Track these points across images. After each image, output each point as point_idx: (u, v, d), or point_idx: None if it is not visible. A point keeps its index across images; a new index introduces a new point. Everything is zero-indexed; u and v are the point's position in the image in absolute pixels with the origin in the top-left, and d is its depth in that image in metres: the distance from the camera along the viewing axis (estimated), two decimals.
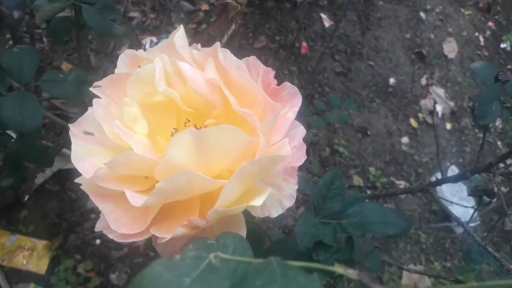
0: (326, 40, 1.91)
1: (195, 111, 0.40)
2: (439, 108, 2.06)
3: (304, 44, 1.87)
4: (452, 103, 2.06)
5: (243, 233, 0.37)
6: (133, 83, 0.38)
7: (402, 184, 1.82)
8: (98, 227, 0.37)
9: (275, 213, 0.39)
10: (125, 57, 0.41)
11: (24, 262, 1.27)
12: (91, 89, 0.39)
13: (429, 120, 2.00)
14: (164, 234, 0.34)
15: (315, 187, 0.59)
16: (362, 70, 1.94)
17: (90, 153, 0.37)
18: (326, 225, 0.57)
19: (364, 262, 0.66)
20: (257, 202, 0.34)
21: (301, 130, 0.41)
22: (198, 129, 0.39)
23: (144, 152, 0.36)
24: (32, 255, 1.28)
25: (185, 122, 0.40)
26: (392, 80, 2.00)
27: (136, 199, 0.33)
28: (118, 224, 0.35)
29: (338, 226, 0.58)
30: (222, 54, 0.38)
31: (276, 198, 0.39)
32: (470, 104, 2.11)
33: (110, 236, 0.35)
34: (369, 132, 1.68)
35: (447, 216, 1.80)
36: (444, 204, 0.76)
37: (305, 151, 0.40)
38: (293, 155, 0.39)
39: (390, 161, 1.82)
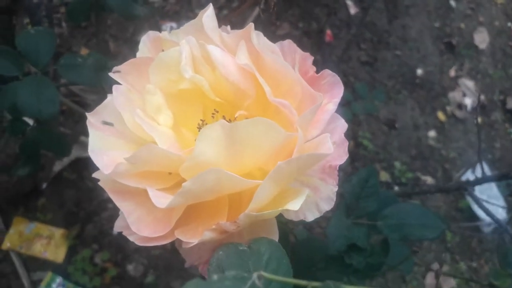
0: (352, 28, 1.85)
1: (224, 101, 0.35)
2: (468, 102, 1.98)
3: (328, 32, 1.81)
4: (482, 97, 1.97)
5: (275, 238, 0.33)
6: (156, 68, 0.34)
7: (428, 179, 1.76)
8: (117, 227, 0.33)
9: (311, 216, 0.35)
10: (148, 40, 0.37)
11: (42, 250, 1.26)
12: (110, 74, 0.35)
13: (457, 113, 1.93)
14: (190, 238, 0.30)
15: (348, 185, 0.54)
16: (388, 60, 1.87)
17: (109, 145, 0.33)
18: (360, 226, 0.53)
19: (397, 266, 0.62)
20: (294, 205, 0.30)
21: (341, 124, 0.36)
22: (228, 121, 0.36)
23: (169, 146, 0.32)
24: (50, 244, 1.26)
25: (213, 113, 0.36)
26: (419, 71, 1.93)
27: (160, 199, 0.29)
28: (139, 225, 0.31)
29: (373, 228, 0.53)
30: (255, 36, 0.33)
31: (312, 200, 0.35)
32: (501, 97, 2.02)
33: (131, 238, 0.32)
34: (396, 125, 1.62)
35: (474, 214, 1.73)
36: (484, 205, 0.70)
37: (346, 148, 0.35)
38: (333, 153, 0.34)
39: (416, 156, 1.76)
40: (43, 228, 1.28)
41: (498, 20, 2.16)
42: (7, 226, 1.29)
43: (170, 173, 0.33)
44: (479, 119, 1.92)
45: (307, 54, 0.36)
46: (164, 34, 0.37)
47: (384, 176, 1.61)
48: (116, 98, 0.33)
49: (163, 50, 0.36)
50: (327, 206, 0.35)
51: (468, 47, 2.05)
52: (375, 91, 1.21)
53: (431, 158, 1.80)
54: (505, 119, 1.99)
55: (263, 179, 0.31)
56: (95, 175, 0.33)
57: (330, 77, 0.36)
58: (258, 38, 0.34)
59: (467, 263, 1.61)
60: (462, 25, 2.08)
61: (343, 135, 0.36)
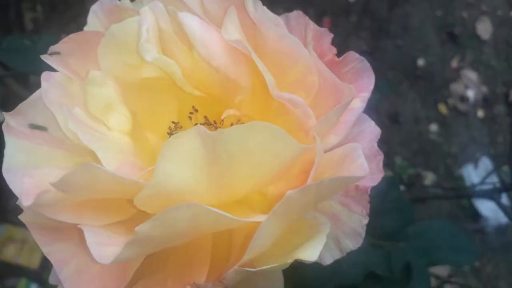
0: (351, 16, 1.74)
1: (206, 95, 0.25)
2: (470, 94, 1.89)
3: (326, 19, 1.71)
4: (484, 89, 1.89)
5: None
6: (107, 48, 0.23)
7: (429, 176, 1.68)
8: (51, 280, 0.23)
9: (329, 258, 0.25)
10: (101, 10, 0.26)
11: (15, 255, 1.16)
12: (43, 57, 0.24)
13: (459, 106, 1.84)
14: None
15: None
16: (389, 49, 1.77)
17: (38, 160, 0.23)
18: (378, 249, 0.43)
19: None
20: (310, 254, 0.20)
21: (371, 128, 0.26)
22: (211, 125, 0.25)
23: (120, 163, 0.21)
24: (23, 248, 1.16)
25: (191, 112, 0.26)
26: (421, 62, 1.83)
27: (104, 248, 0.19)
28: (79, 282, 0.21)
29: (394, 250, 0.43)
30: (251, 3, 0.23)
31: (330, 235, 0.24)
32: (504, 90, 1.94)
33: None
34: (400, 119, 1.53)
35: (477, 213, 1.65)
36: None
37: (381, 164, 0.25)
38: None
39: (418, 151, 1.67)
40: (15, 231, 1.17)
41: (501, 9, 2.07)
42: None
43: (127, 200, 0.22)
44: (481, 113, 1.84)
45: (325, 30, 0.26)
46: (125, 1, 0.26)
47: (385, 173, 1.52)
48: (47, 92, 0.22)
49: None
50: (352, 243, 0.25)
51: (471, 37, 1.96)
52: (378, 82, 1.10)
53: (432, 153, 1.71)
54: (508, 112, 1.91)
55: (263, 208, 0.21)
56: (19, 203, 0.22)
57: (356, 62, 0.25)
58: (256, 5, 0.23)
59: (470, 264, 1.53)
60: (465, 14, 1.99)
61: (375, 144, 0.25)
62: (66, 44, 0.24)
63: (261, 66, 0.21)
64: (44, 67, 0.31)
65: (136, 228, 0.17)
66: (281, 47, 0.23)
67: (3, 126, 0.22)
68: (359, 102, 0.25)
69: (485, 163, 1.74)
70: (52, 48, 0.25)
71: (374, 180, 0.24)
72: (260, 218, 0.19)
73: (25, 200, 0.20)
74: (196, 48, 0.22)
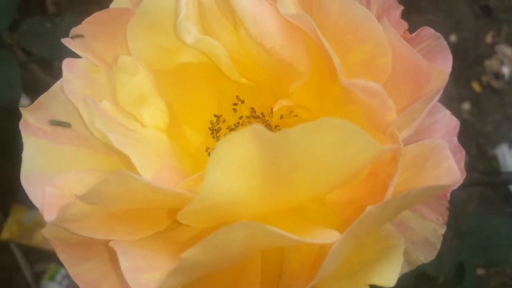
0: None
1: (254, 84, 0.21)
2: (505, 70, 1.80)
3: None
4: None
5: None
6: (138, 28, 0.20)
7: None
8: None
9: (392, 276, 0.21)
10: None
11: (44, 240, 1.16)
12: (64, 41, 0.21)
13: (493, 83, 1.76)
14: None
15: None
16: (420, 25, 1.68)
17: (61, 163, 0.20)
18: None
19: None
20: (388, 279, 0.16)
21: (446, 119, 0.22)
22: (259, 119, 0.21)
23: (158, 170, 0.18)
24: None
25: (235, 104, 0.22)
26: (453, 38, 1.75)
27: (141, 278, 0.15)
28: None
29: (447, 249, 0.39)
30: None
31: None
32: None
33: None
34: None
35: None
36: None
37: (463, 163, 0.21)
38: None
39: None
40: None
41: None
42: (6, 214, 1.18)
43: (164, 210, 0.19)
44: None
45: (393, 1, 0.21)
46: None
47: None
48: (69, 83, 0.19)
49: None
50: (423, 255, 0.21)
51: (507, 10, 1.86)
52: None
53: (465, 132, 1.64)
54: None
55: (321, 218, 0.18)
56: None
57: (431, 39, 0.21)
58: None
59: None
60: None
61: (455, 138, 0.21)
62: (90, 24, 0.21)
63: (327, 45, 0.17)
64: (67, 52, 0.27)
65: (183, 255, 0.14)
66: (346, 22, 0.18)
67: (21, 125, 0.19)
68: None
69: None
70: (74, 30, 0.21)
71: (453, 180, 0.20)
72: (331, 238, 0.15)
73: (47, 214, 0.17)
74: (245, 26, 0.18)
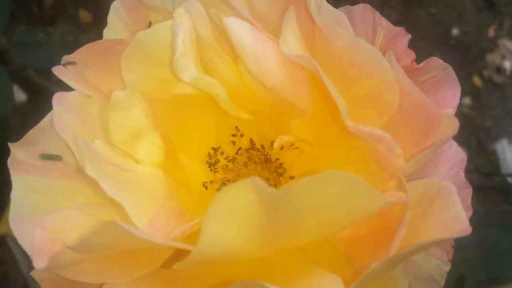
0: None
1: (253, 116, 0.20)
2: (507, 65, 1.79)
3: None
4: None
5: None
6: (132, 59, 0.19)
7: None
8: None
9: None
10: (123, 7, 0.22)
11: None
12: (55, 70, 0.20)
13: (495, 78, 1.74)
14: None
15: None
16: (421, 18, 1.67)
17: (51, 199, 0.19)
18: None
19: None
20: None
21: (453, 151, 0.21)
22: (259, 152, 0.21)
23: (153, 212, 0.17)
24: None
25: (234, 135, 0.21)
26: (455, 31, 1.73)
27: None
28: None
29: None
30: (314, 1, 0.18)
31: None
32: None
33: None
34: None
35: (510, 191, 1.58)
36: None
37: (469, 199, 0.20)
38: None
39: None
40: None
41: None
42: (2, 209, 1.18)
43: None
44: None
45: (400, 29, 0.20)
46: None
47: None
48: (60, 119, 0.18)
49: (149, 25, 0.21)
50: None
51: (509, 3, 1.84)
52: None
53: (465, 127, 1.63)
54: None
55: (324, 256, 0.17)
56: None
57: (440, 69, 0.20)
58: (320, 4, 0.18)
59: None
60: None
61: (461, 173, 0.21)
62: (83, 54, 0.20)
63: (331, 87, 0.16)
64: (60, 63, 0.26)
65: None
66: (351, 57, 0.18)
67: (9, 162, 0.18)
68: None
69: None
70: (66, 58, 0.20)
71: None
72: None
73: (37, 260, 0.16)
74: (245, 64, 0.17)
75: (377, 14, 0.21)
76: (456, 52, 1.69)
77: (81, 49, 0.20)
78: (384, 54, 0.21)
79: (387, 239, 0.17)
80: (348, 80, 0.18)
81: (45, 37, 0.36)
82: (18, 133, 0.20)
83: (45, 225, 0.17)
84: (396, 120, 0.18)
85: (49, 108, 0.20)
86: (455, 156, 0.21)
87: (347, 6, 0.22)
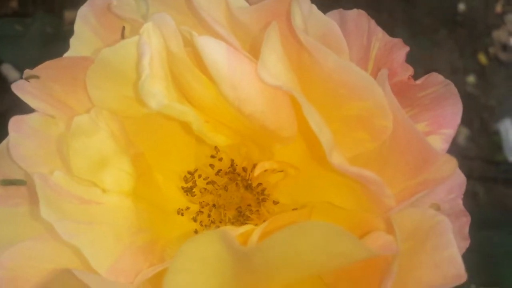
0: None
1: (232, 140, 0.19)
2: None
3: None
4: None
5: None
6: (98, 78, 0.17)
7: (464, 132, 1.59)
8: None
9: None
10: (92, 12, 0.19)
11: None
12: (14, 87, 0.18)
13: (501, 55, 1.70)
14: None
15: None
16: None
17: (12, 229, 0.17)
18: None
19: None
20: None
21: (454, 177, 0.19)
22: (239, 177, 0.19)
23: (117, 254, 0.16)
24: None
25: (212, 156, 0.20)
26: (461, 7, 1.68)
27: None
28: None
29: None
30: (299, 14, 0.16)
31: None
32: None
33: None
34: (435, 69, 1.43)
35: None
36: None
37: (466, 229, 0.19)
38: None
39: None
40: None
41: None
42: None
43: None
44: None
45: (398, 40, 0.18)
46: (124, 1, 0.19)
47: None
48: (17, 146, 0.16)
49: (122, 34, 0.19)
50: None
51: None
52: (418, 38, 1.01)
53: (468, 106, 1.60)
54: None
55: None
56: None
57: (440, 86, 0.18)
58: (307, 11, 0.16)
59: None
60: None
61: (459, 200, 0.19)
62: (48, 69, 0.18)
63: (314, 124, 0.14)
64: (43, 59, 0.24)
65: None
66: (341, 79, 0.16)
67: None
68: (439, 142, 0.18)
69: None
70: (28, 72, 0.18)
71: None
72: None
73: None
74: (221, 90, 0.15)
75: (373, 22, 0.19)
76: (461, 28, 1.65)
77: (45, 63, 0.18)
78: (379, 67, 0.19)
79: (376, 275, 0.15)
80: (338, 98, 0.17)
81: (23, 29, 0.34)
82: None
83: (4, 263, 0.16)
84: (390, 146, 0.17)
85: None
86: (454, 179, 0.19)
87: (341, 10, 0.20)
